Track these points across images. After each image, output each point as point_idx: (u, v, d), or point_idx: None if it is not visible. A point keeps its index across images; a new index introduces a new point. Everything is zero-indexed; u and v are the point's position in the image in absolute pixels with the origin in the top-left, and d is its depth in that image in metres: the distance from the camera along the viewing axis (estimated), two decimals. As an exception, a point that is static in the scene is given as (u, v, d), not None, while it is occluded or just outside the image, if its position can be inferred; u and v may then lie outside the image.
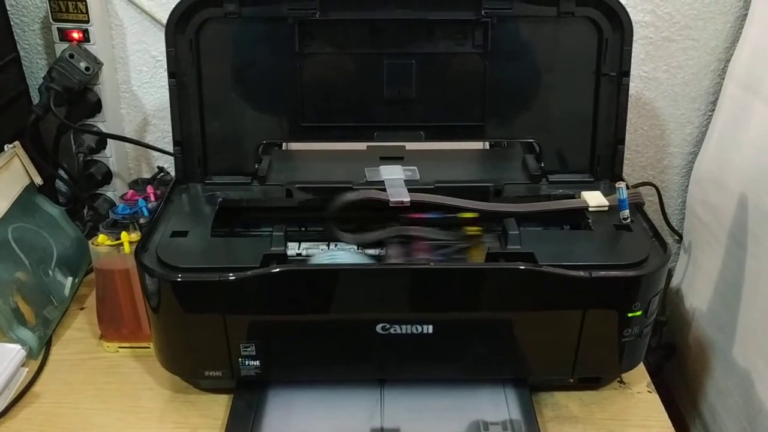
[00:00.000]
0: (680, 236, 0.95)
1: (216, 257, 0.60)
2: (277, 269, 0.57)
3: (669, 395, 0.72)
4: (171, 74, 0.68)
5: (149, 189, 0.72)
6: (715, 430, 0.84)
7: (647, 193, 0.90)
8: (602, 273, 0.58)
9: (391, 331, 0.59)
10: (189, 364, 0.63)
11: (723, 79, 0.84)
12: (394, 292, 0.58)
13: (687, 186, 0.91)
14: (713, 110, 0.87)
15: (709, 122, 0.87)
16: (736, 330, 0.79)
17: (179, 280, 0.57)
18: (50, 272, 0.75)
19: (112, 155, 0.85)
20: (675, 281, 0.97)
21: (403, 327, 0.59)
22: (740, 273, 0.78)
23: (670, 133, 0.90)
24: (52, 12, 0.77)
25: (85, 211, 0.87)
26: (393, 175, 0.70)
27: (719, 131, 0.85)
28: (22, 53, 0.83)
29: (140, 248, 0.60)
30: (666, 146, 0.91)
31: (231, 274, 0.56)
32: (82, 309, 0.78)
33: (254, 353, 0.60)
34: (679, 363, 0.94)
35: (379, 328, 0.59)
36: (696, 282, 0.91)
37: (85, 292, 0.80)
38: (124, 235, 0.65)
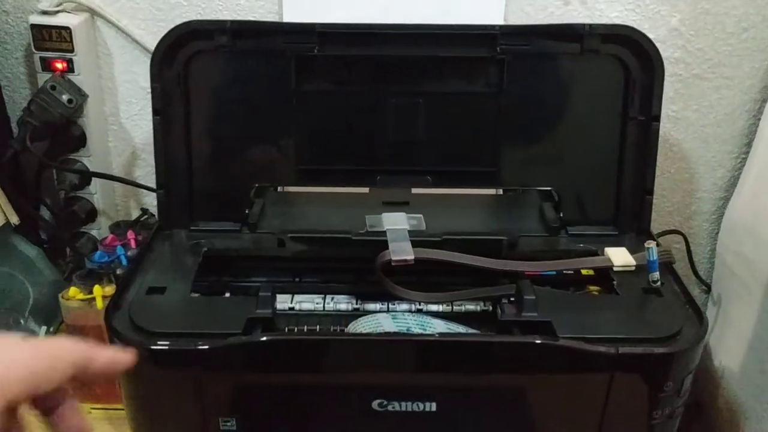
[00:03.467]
0: (708, 287, 0.88)
1: (194, 320, 0.53)
2: (263, 338, 0.51)
3: None
4: (156, 111, 0.63)
5: (130, 234, 0.66)
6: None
7: (674, 240, 0.83)
8: (630, 349, 0.51)
9: (389, 408, 0.52)
10: (163, 439, 0.56)
11: (759, 120, 0.77)
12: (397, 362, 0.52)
13: (716, 233, 0.84)
14: (747, 153, 0.80)
15: (743, 166, 0.80)
16: (772, 395, 0.72)
17: (152, 348, 0.51)
18: (22, 321, 0.70)
19: (97, 192, 0.79)
20: (703, 335, 0.90)
21: (404, 405, 0.52)
22: (777, 334, 0.71)
23: (699, 177, 0.83)
24: (34, 41, 0.72)
25: (68, 251, 0.81)
26: (396, 224, 0.64)
27: (755, 176, 0.78)
28: (4, 82, 0.78)
29: (112, 307, 0.54)
30: (695, 191, 0.84)
31: (206, 343, 0.50)
32: (56, 361, 0.72)
33: (234, 429, 0.54)
34: (706, 425, 0.86)
35: (375, 404, 0.52)
36: (726, 337, 0.83)
37: (61, 342, 0.73)
38: (97, 289, 0.59)
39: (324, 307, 0.62)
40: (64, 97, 0.72)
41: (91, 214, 0.80)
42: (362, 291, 0.63)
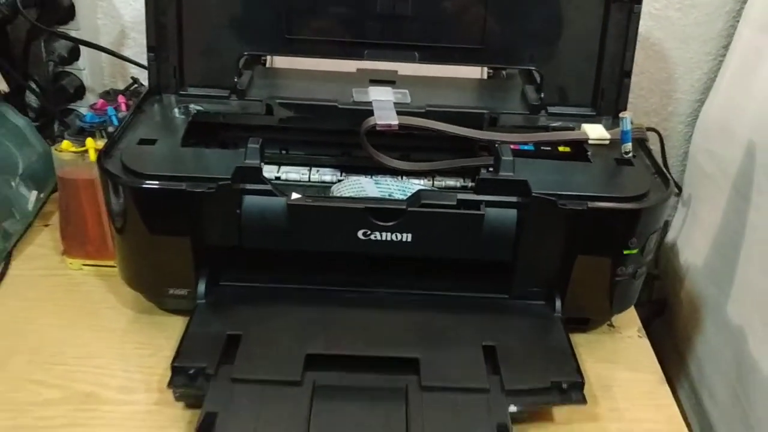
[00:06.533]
0: (680, 188, 0.92)
1: (184, 167, 0.55)
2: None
3: (656, 352, 0.71)
4: (147, -28, 0.63)
5: (120, 99, 0.67)
6: (703, 389, 0.82)
7: (650, 139, 0.86)
8: (598, 204, 0.54)
9: (372, 237, 0.55)
10: (152, 281, 0.59)
11: (738, 21, 0.79)
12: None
13: (690, 136, 0.87)
14: (724, 55, 0.82)
15: (719, 69, 0.83)
16: (732, 285, 0.76)
17: (143, 187, 0.53)
18: (13, 184, 0.71)
19: (86, 68, 0.80)
20: (671, 235, 0.94)
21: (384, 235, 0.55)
22: (741, 226, 0.74)
23: (678, 78, 0.85)
24: None
25: (55, 126, 0.82)
26: (382, 96, 0.65)
27: (730, 77, 0.80)
28: (-10, -50, 0.77)
29: (104, 153, 0.56)
30: (672, 92, 0.86)
31: (195, 186, 0.52)
32: (46, 226, 0.73)
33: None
34: (669, 320, 0.91)
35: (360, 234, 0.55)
36: (693, 236, 0.87)
37: (51, 209, 0.75)
38: (89, 141, 0.60)
39: (309, 178, 0.64)
40: (54, -38, 0.71)
41: (79, 91, 0.81)
42: (347, 164, 0.65)
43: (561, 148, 0.64)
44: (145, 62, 0.76)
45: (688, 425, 0.56)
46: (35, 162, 0.75)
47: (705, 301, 0.83)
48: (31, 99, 0.84)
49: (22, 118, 0.75)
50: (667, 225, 0.94)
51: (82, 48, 0.78)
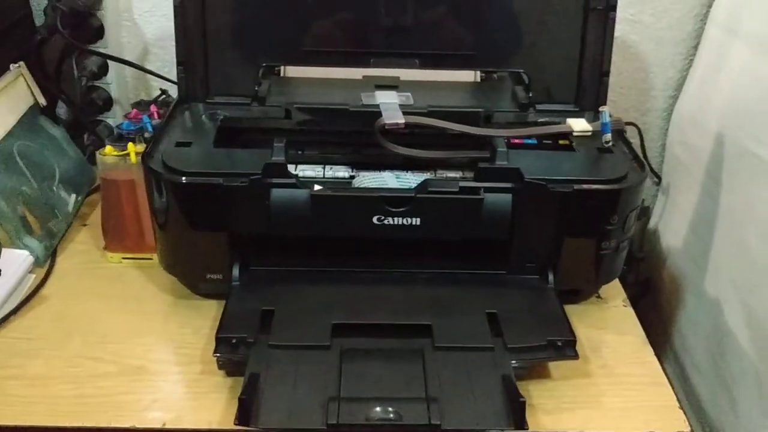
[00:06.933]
0: (659, 178, 1.00)
1: (219, 164, 0.63)
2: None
3: (643, 329, 0.78)
4: (176, -4, 0.71)
5: (152, 108, 0.74)
6: (685, 357, 0.89)
7: (630, 133, 0.94)
8: (583, 186, 0.62)
9: (385, 222, 0.63)
10: (191, 267, 0.66)
11: (705, 24, 0.88)
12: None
13: (667, 129, 0.95)
14: (694, 54, 0.90)
15: (690, 66, 0.91)
16: (708, 261, 0.84)
17: (184, 182, 0.60)
18: (54, 189, 0.78)
19: (113, 82, 0.87)
20: (653, 222, 1.02)
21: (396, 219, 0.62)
22: (715, 207, 0.82)
23: (653, 77, 0.94)
24: (56, -64, 0.78)
25: (85, 137, 0.89)
26: (388, 99, 0.73)
27: (700, 74, 0.89)
28: (26, -23, 0.85)
29: (146, 155, 0.63)
30: (649, 89, 0.95)
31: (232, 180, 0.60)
32: (84, 225, 0.81)
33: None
34: (654, 298, 0.99)
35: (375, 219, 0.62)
36: (673, 220, 0.95)
37: (88, 211, 0.82)
38: (130, 145, 0.68)
39: (324, 174, 0.71)
40: (87, -13, 0.79)
41: (108, 103, 0.88)
42: (358, 161, 0.72)
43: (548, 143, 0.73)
44: (167, 75, 0.84)
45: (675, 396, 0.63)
46: (71, 169, 0.82)
47: (685, 279, 0.90)
48: (61, 112, 0.91)
49: (58, 129, 0.83)
50: (648, 212, 1.02)
51: (110, 64, 0.86)
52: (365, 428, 0.51)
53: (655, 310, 0.97)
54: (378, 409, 0.51)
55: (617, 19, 0.74)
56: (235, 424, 0.50)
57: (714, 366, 0.82)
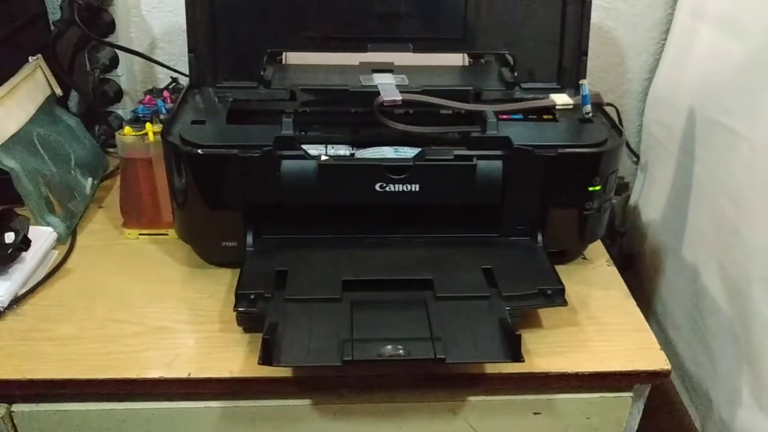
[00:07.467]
0: (638, 157, 1.06)
1: (233, 138, 0.68)
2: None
3: None
4: (187, -14, 0.76)
5: (165, 93, 0.80)
6: (667, 322, 0.95)
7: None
8: (567, 150, 0.68)
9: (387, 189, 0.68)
10: (208, 235, 0.71)
11: (674, 9, 0.95)
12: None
13: (643, 110, 1.02)
14: (665, 39, 0.97)
15: (662, 50, 0.98)
16: (685, 230, 0.90)
17: (202, 154, 0.66)
18: (72, 172, 0.83)
19: (124, 74, 0.92)
20: (633, 198, 1.08)
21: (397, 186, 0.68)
22: (689, 179, 0.89)
23: (629, 60, 1.00)
24: (70, -65, 0.84)
25: (96, 127, 0.94)
26: (385, 80, 0.79)
27: (671, 56, 0.96)
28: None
29: (165, 132, 0.68)
30: (625, 72, 1.01)
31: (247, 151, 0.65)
32: (101, 207, 0.85)
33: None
34: (636, 271, 1.05)
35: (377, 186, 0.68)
36: (651, 196, 1.02)
37: (103, 194, 0.87)
38: (148, 125, 0.73)
39: (327, 153, 0.77)
40: (101, -17, 0.84)
41: (118, 95, 0.93)
42: (358, 140, 0.78)
43: (533, 117, 0.79)
44: (175, 66, 0.89)
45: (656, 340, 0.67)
46: (87, 155, 0.87)
47: (665, 249, 0.97)
48: (72, 104, 0.96)
49: (73, 118, 0.88)
50: (628, 188, 1.08)
51: (121, 56, 0.91)
52: (377, 363, 0.57)
53: (637, 281, 1.03)
54: (389, 347, 0.57)
55: (594, 6, 0.80)
56: (259, 364, 0.55)
57: (693, 326, 0.88)
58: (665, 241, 0.97)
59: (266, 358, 0.55)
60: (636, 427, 0.70)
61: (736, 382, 0.78)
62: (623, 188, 1.06)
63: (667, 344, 0.95)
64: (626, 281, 0.76)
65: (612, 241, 1.05)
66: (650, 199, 1.02)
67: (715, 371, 0.83)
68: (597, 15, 0.95)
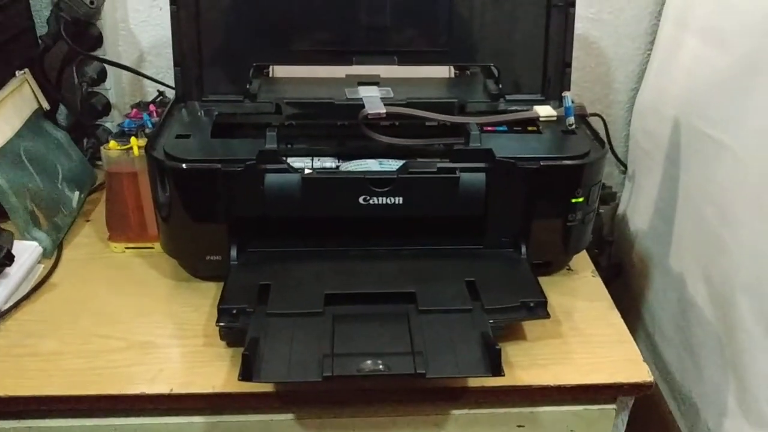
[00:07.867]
0: (625, 166, 1.06)
1: (217, 152, 0.68)
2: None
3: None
4: (172, 1, 0.76)
5: (151, 107, 0.80)
6: (655, 330, 0.96)
7: (596, 126, 1.01)
8: (549, 162, 0.68)
9: (370, 202, 0.68)
10: (192, 249, 0.71)
11: (659, 20, 0.95)
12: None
13: (630, 119, 1.02)
14: (651, 49, 0.98)
15: (648, 60, 0.98)
16: (672, 240, 0.91)
17: (185, 168, 0.66)
18: (59, 186, 0.83)
19: (112, 87, 0.93)
20: (621, 208, 1.08)
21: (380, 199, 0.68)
22: (675, 188, 0.89)
23: (615, 70, 1.01)
24: (56, -50, 0.84)
25: (85, 141, 0.94)
26: (370, 93, 0.79)
27: (657, 66, 0.96)
28: (28, -9, 0.90)
29: (149, 146, 0.69)
30: (611, 82, 1.02)
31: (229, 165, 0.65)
32: (88, 221, 0.85)
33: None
34: (625, 279, 1.05)
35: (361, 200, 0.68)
36: (639, 205, 1.02)
37: (90, 208, 0.87)
38: (133, 139, 0.73)
39: (312, 165, 0.77)
40: (87, -1, 0.85)
41: (106, 108, 0.94)
42: (343, 152, 0.78)
43: (517, 129, 0.79)
44: (163, 80, 0.89)
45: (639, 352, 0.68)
46: (74, 168, 0.87)
47: (652, 259, 0.97)
48: (61, 117, 0.96)
49: (61, 132, 0.88)
50: (616, 198, 1.08)
51: (109, 70, 0.91)
52: (357, 379, 0.57)
53: (626, 291, 1.03)
54: (369, 362, 0.57)
55: (580, 18, 0.81)
56: (239, 380, 0.55)
57: (680, 335, 0.88)
58: (653, 250, 0.97)
59: (246, 374, 0.56)
60: (621, 439, 0.70)
61: (722, 390, 0.78)
62: (611, 198, 1.07)
63: (655, 352, 0.95)
64: (615, 290, 0.76)
65: (600, 250, 1.05)
66: (638, 209, 1.02)
67: (701, 380, 0.83)
68: (583, 26, 0.96)
